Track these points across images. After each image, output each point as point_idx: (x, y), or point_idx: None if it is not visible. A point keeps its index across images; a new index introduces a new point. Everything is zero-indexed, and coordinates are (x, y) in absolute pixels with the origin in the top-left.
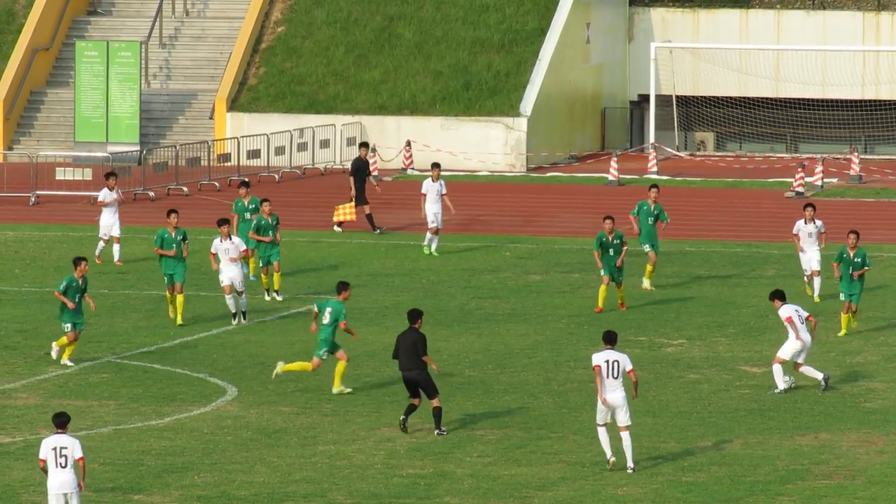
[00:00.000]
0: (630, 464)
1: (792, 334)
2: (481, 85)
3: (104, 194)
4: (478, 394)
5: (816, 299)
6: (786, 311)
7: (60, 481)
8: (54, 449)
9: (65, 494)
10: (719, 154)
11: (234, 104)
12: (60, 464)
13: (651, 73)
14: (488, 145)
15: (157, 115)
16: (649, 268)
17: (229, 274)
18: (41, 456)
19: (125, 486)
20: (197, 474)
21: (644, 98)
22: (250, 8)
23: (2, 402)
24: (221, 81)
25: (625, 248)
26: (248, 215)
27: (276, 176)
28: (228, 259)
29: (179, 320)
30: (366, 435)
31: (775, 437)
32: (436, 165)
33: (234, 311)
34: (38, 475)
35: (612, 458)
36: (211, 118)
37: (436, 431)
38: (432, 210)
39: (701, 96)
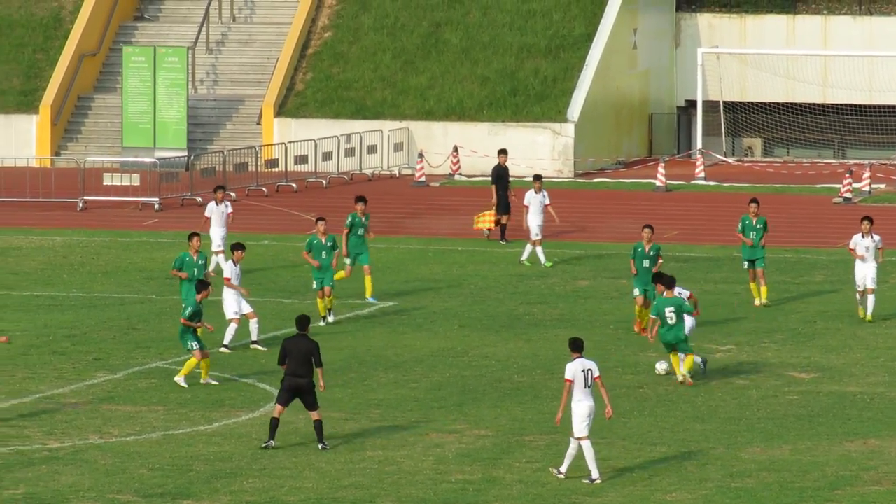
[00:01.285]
0: (596, 474)
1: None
2: (528, 90)
3: (210, 208)
4: (526, 399)
5: (868, 318)
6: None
7: None
8: None
9: None
10: (767, 160)
11: (282, 110)
12: None
13: (698, 78)
14: (535, 151)
15: (205, 120)
16: (763, 288)
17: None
18: None
19: (174, 491)
20: (246, 480)
21: (691, 104)
22: (297, 13)
23: (50, 407)
24: (269, 87)
25: (660, 261)
26: (361, 231)
27: (324, 181)
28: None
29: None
30: (414, 440)
31: (824, 442)
32: (538, 178)
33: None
34: (87, 480)
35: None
36: (258, 123)
37: (319, 445)
38: (535, 222)
39: (748, 102)
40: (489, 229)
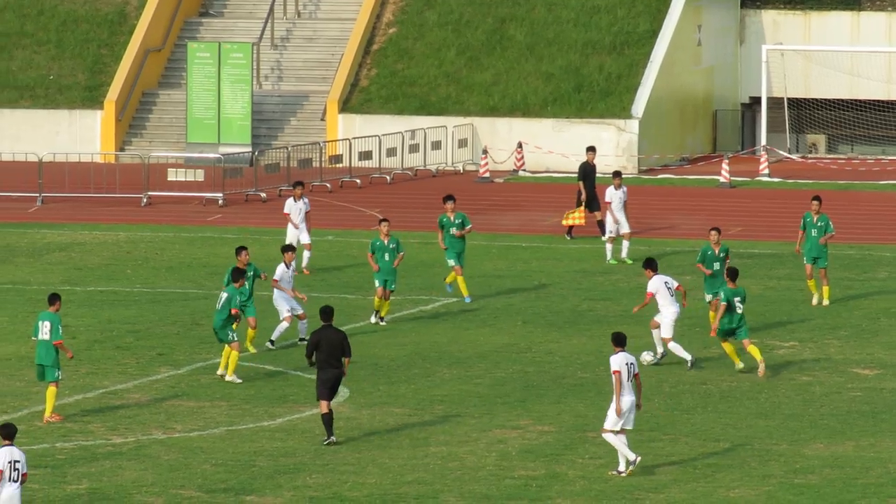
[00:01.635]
0: (622, 468)
1: (664, 308)
2: (593, 87)
3: (288, 205)
4: (590, 395)
5: None
6: (654, 283)
7: (10, 494)
8: (10, 462)
9: None
10: (831, 156)
11: (346, 105)
12: (13, 478)
13: (762, 75)
14: (600, 147)
15: (269, 116)
16: (825, 288)
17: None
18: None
19: (237, 486)
20: (309, 475)
21: (755, 100)
22: (362, 9)
23: (114, 403)
24: (333, 83)
25: (728, 261)
26: (453, 230)
27: (388, 177)
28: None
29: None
30: (477, 436)
31: (887, 439)
32: (617, 174)
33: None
34: (150, 475)
35: (637, 458)
36: (322, 119)
37: (327, 441)
38: (616, 218)
39: (812, 98)
40: (570, 228)
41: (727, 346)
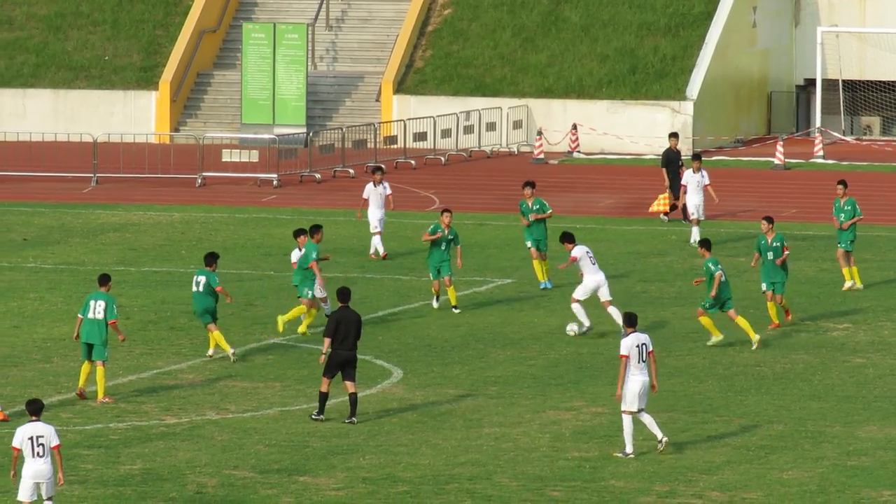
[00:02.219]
0: (661, 435)
1: (586, 275)
2: (648, 69)
3: (368, 189)
4: None
5: None
6: (577, 251)
7: (36, 470)
8: (31, 438)
9: (37, 483)
10: (885, 139)
11: (401, 87)
12: (38, 452)
13: (817, 57)
14: (654, 129)
15: (324, 97)
16: (853, 269)
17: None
18: (15, 444)
19: (290, 467)
20: (362, 456)
21: (810, 82)
22: None
23: (168, 383)
24: (388, 64)
25: (786, 252)
26: (531, 216)
27: (443, 158)
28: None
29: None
30: (531, 417)
31: None
32: (697, 157)
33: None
34: (204, 456)
35: (665, 438)
36: (377, 100)
37: (347, 420)
38: (693, 202)
39: (867, 80)
40: (665, 213)
41: (705, 320)
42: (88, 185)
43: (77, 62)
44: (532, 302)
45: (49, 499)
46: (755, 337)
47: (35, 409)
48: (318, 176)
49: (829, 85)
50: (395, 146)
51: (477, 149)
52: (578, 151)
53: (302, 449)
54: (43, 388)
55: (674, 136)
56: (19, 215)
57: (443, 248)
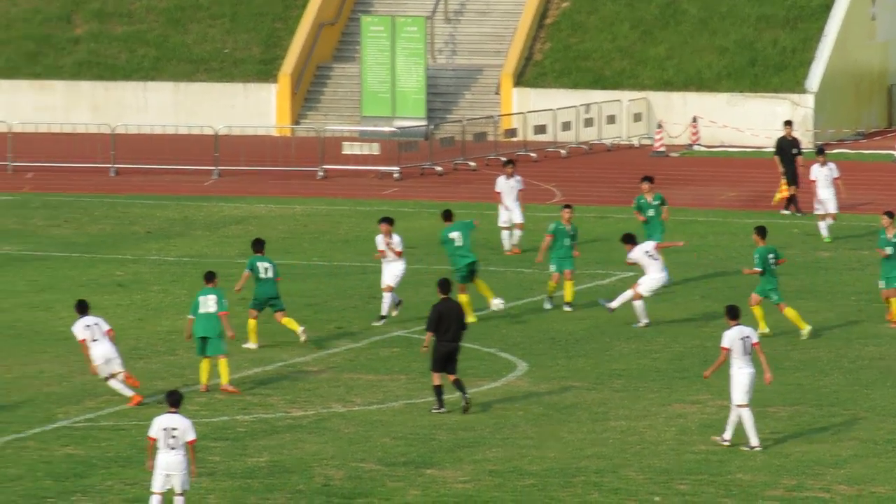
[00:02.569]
0: (755, 442)
1: (652, 272)
2: (767, 61)
3: (500, 183)
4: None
5: None
6: (634, 253)
7: (167, 462)
8: (165, 429)
9: (168, 475)
10: None
11: (520, 79)
12: (170, 444)
13: None
14: (774, 122)
15: (443, 90)
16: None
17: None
18: (151, 434)
19: (417, 460)
20: (488, 449)
21: None
22: None
23: (294, 376)
24: (507, 57)
25: None
26: (650, 212)
27: (563, 151)
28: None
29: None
30: (657, 411)
31: None
32: (821, 151)
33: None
34: (330, 448)
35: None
36: (497, 93)
37: (465, 400)
38: (823, 195)
39: None
40: (787, 205)
41: (790, 312)
42: (210, 177)
43: (197, 55)
44: (656, 295)
45: (181, 493)
46: (764, 328)
47: (174, 401)
48: (439, 168)
49: None
50: (516, 139)
51: (597, 141)
52: (699, 144)
53: (428, 441)
54: (169, 381)
55: (788, 123)
56: (142, 208)
57: (566, 243)
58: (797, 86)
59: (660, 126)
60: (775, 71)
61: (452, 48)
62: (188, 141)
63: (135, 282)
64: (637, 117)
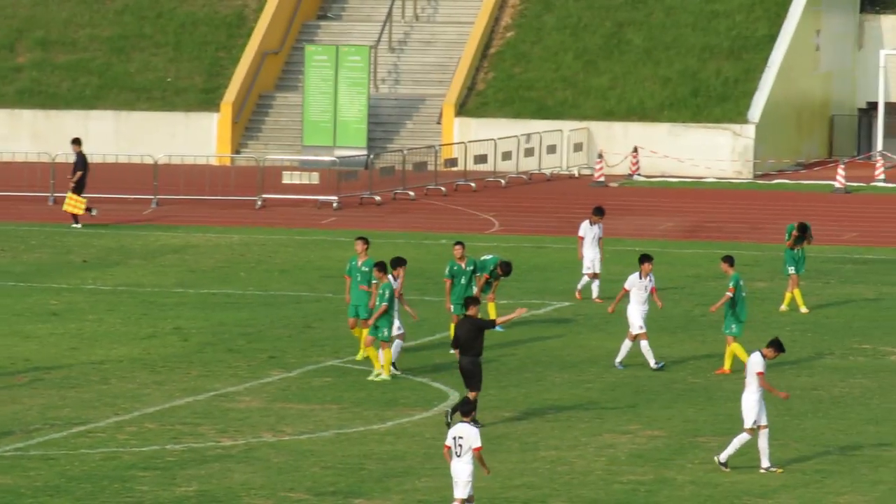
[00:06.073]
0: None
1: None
2: (710, 91)
3: (584, 228)
4: (700, 400)
5: None
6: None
7: (453, 469)
8: (454, 438)
9: (456, 482)
10: None
11: (463, 109)
12: (456, 452)
13: (880, 80)
14: (716, 152)
15: (385, 119)
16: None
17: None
18: (447, 442)
19: (346, 489)
20: (418, 479)
21: (872, 105)
22: (480, 13)
23: (225, 405)
24: (450, 86)
25: None
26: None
27: (503, 181)
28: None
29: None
30: (587, 441)
31: None
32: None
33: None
34: (259, 478)
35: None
36: (438, 123)
37: (447, 416)
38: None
39: None
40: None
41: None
42: (149, 206)
43: (139, 84)
44: (590, 325)
45: (462, 501)
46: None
47: (466, 411)
48: (378, 198)
49: (892, 108)
50: (456, 168)
51: (537, 171)
52: (639, 174)
53: (358, 471)
54: (101, 410)
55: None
56: (79, 236)
57: (463, 282)
58: (739, 116)
59: (600, 156)
60: (718, 101)
61: (396, 77)
62: (128, 169)
63: (70, 310)
64: (578, 147)
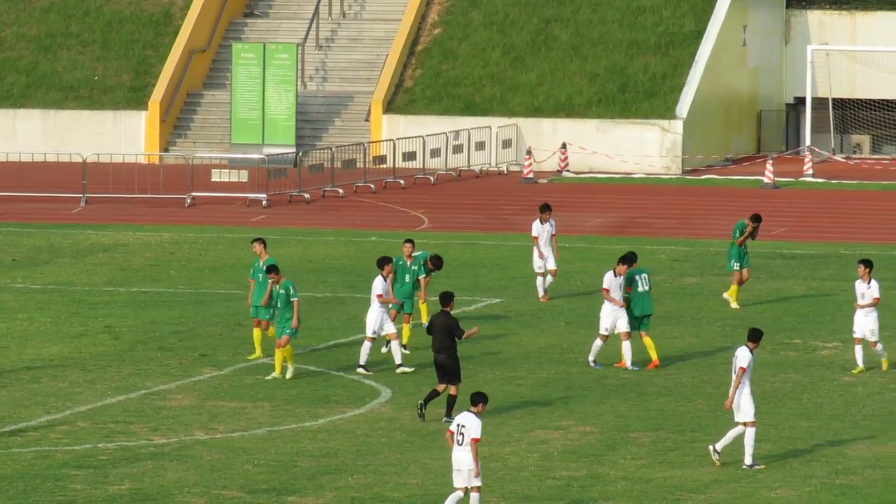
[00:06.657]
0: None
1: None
2: (637, 87)
3: (535, 228)
4: (632, 396)
5: None
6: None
7: (454, 457)
8: (458, 425)
9: (458, 471)
10: (875, 157)
11: (390, 106)
12: (458, 441)
13: (807, 75)
14: (644, 148)
15: (313, 116)
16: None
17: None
18: (451, 428)
19: (279, 487)
20: (350, 476)
21: (800, 101)
22: (407, 10)
23: (157, 404)
24: (377, 83)
25: None
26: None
27: (432, 178)
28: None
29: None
30: (520, 437)
31: None
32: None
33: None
34: (192, 476)
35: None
36: (367, 120)
37: (444, 419)
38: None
39: (857, 99)
40: None
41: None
42: (77, 205)
43: (67, 82)
44: (521, 321)
45: (469, 489)
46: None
47: (474, 401)
48: (307, 196)
49: (819, 103)
50: (385, 166)
51: (466, 168)
52: (568, 171)
53: (290, 469)
54: (32, 409)
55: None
56: (8, 235)
57: (407, 279)
58: (667, 112)
59: (529, 153)
60: (646, 97)
61: (323, 75)
62: (57, 168)
63: None
64: (506, 144)
